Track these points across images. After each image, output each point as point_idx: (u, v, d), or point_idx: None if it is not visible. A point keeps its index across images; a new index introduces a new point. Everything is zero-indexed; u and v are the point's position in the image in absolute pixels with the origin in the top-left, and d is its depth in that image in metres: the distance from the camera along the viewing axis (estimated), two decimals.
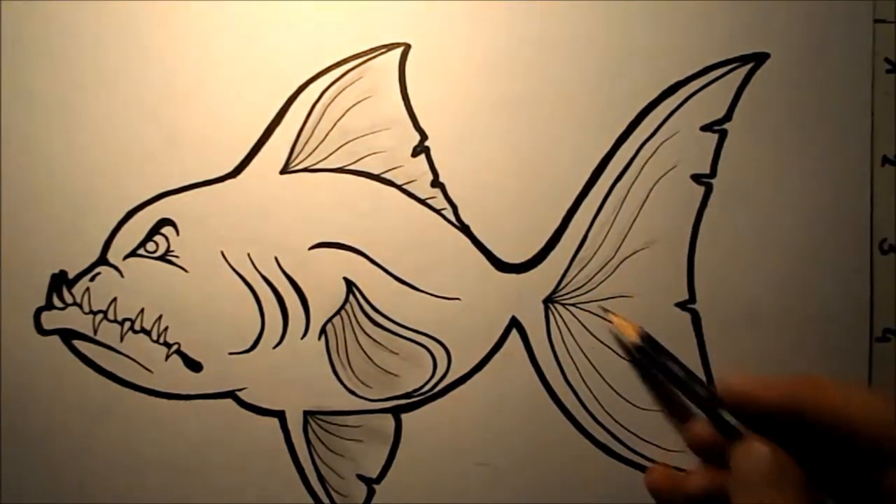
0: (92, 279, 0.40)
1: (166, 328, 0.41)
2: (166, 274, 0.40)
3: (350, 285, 0.41)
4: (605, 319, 0.40)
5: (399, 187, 0.41)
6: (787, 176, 0.41)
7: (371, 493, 0.41)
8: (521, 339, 0.41)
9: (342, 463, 0.41)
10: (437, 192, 0.41)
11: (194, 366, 0.41)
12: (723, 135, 0.41)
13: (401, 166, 0.41)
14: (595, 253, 0.41)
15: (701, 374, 0.41)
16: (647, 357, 0.39)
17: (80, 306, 0.40)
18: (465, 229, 0.41)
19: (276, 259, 0.41)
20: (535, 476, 0.41)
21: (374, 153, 0.41)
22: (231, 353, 0.41)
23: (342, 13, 0.41)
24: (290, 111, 0.41)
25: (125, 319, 0.40)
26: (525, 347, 0.41)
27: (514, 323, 0.41)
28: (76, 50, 0.40)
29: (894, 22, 0.42)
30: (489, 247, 0.41)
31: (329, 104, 0.41)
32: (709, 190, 0.41)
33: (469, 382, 0.41)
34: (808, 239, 0.41)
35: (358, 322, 0.41)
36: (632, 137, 0.41)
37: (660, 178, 0.41)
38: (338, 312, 0.41)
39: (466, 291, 0.41)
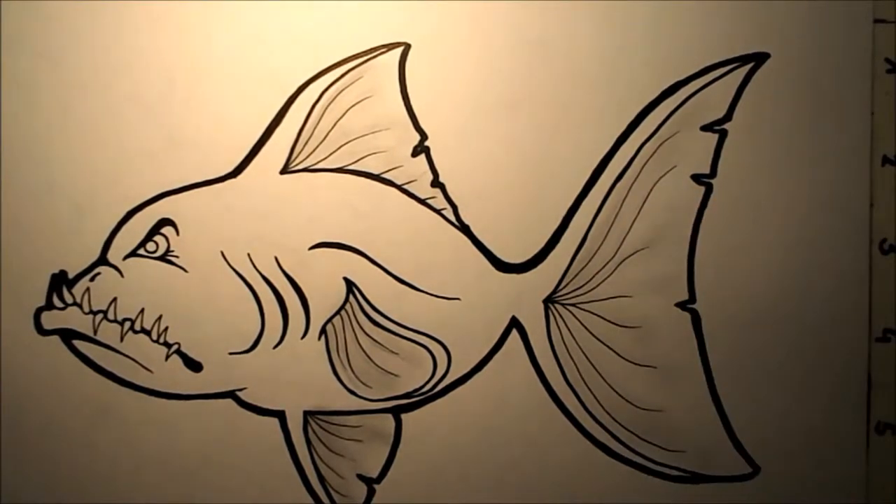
0: (92, 279, 0.40)
1: (166, 328, 0.40)
2: (166, 274, 0.40)
3: (350, 285, 0.41)
4: None
5: (399, 187, 0.41)
6: (787, 176, 0.41)
7: (371, 493, 0.41)
8: (521, 339, 0.41)
9: (342, 463, 0.41)
10: (437, 192, 0.41)
11: (194, 366, 0.41)
12: (723, 135, 0.41)
13: (401, 166, 0.41)
14: (595, 253, 0.41)
15: (699, 371, 0.41)
16: None
17: (80, 306, 0.40)
18: (465, 229, 0.41)
19: (276, 259, 0.41)
20: (536, 476, 0.41)
21: (374, 153, 0.41)
22: (231, 353, 0.41)
23: (342, 13, 0.41)
24: (290, 111, 0.41)
25: (125, 319, 0.40)
26: (525, 347, 0.41)
27: (514, 323, 0.41)
28: (76, 50, 0.40)
29: (894, 22, 0.42)
30: (489, 247, 0.41)
31: (329, 104, 0.41)
32: (709, 190, 0.41)
33: (469, 382, 0.41)
34: (808, 239, 0.41)
35: (358, 322, 0.41)
36: (632, 137, 0.41)
37: (660, 178, 0.41)
38: (338, 312, 0.41)
39: (466, 291, 0.41)
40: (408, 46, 0.41)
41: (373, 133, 0.41)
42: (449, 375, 0.41)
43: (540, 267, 0.41)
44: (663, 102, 0.41)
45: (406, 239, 0.41)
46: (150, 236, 0.40)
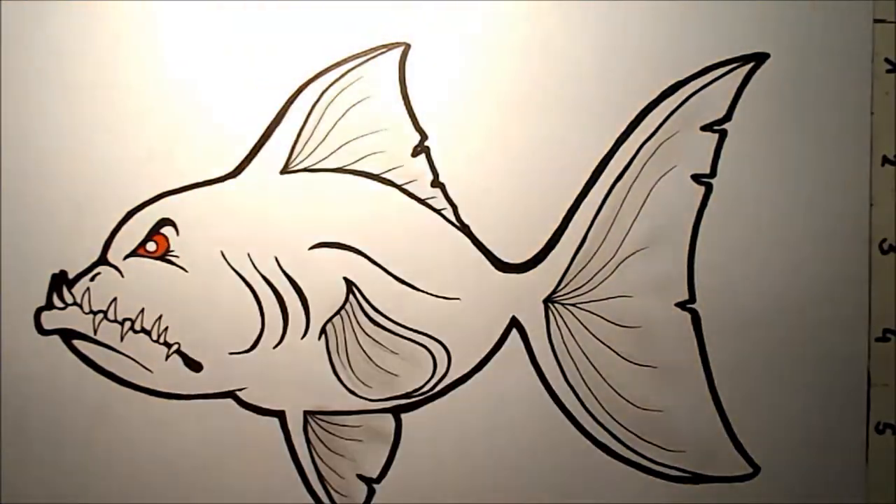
0: (92, 279, 0.40)
1: (166, 328, 0.40)
2: (166, 274, 0.40)
3: (350, 285, 0.41)
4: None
5: (399, 187, 0.41)
6: (787, 176, 0.41)
7: (371, 493, 0.41)
8: (522, 339, 0.41)
9: (342, 463, 0.41)
10: (437, 192, 0.41)
11: (194, 366, 0.41)
12: (723, 135, 0.41)
13: (401, 166, 0.41)
14: (595, 253, 0.41)
15: (699, 371, 0.41)
16: None
17: (80, 306, 0.40)
18: (465, 229, 0.41)
19: (276, 259, 0.41)
20: (536, 476, 0.41)
21: (374, 153, 0.41)
22: (231, 353, 0.41)
23: (342, 13, 0.41)
24: (290, 111, 0.41)
25: (125, 319, 0.40)
26: (525, 347, 0.41)
27: (514, 323, 0.41)
28: (76, 50, 0.40)
29: (894, 22, 0.42)
30: (489, 247, 0.41)
31: (329, 104, 0.41)
32: (709, 190, 0.41)
33: (469, 382, 0.41)
34: (808, 239, 0.41)
35: (358, 322, 0.41)
36: (632, 137, 0.41)
37: (660, 178, 0.41)
38: (338, 312, 0.41)
39: (466, 291, 0.41)
40: (408, 46, 0.41)
41: (373, 133, 0.41)
42: (449, 375, 0.41)
43: (540, 267, 0.41)
44: (663, 102, 0.41)
45: (406, 239, 0.41)
46: (149, 236, 0.40)
